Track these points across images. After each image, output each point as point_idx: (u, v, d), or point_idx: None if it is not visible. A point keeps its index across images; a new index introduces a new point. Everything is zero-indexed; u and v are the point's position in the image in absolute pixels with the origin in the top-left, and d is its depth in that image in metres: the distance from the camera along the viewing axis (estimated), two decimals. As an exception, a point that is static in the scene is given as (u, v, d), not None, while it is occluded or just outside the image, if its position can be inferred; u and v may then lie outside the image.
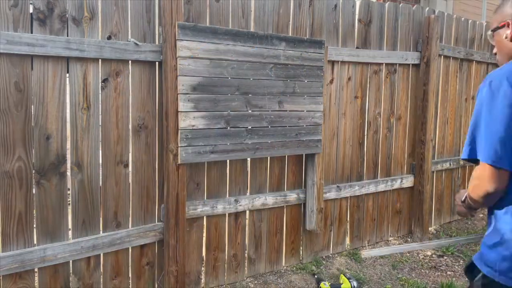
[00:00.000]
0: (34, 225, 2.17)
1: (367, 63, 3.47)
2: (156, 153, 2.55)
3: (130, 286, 2.53)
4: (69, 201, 2.29)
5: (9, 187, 2.08)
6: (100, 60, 2.30)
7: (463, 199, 1.58)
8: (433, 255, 3.62)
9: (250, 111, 2.71)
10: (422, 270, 3.36)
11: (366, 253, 3.49)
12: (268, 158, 2.98)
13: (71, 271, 2.30)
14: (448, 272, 3.35)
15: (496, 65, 4.72)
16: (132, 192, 2.49)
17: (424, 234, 3.80)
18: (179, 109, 2.43)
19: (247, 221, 2.97)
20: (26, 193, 2.12)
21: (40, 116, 2.14)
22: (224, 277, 2.90)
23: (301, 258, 3.26)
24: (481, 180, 1.39)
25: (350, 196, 3.48)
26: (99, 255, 2.38)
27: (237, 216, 2.90)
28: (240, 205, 2.85)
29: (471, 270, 1.53)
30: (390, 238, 3.83)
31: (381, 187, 3.65)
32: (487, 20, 7.04)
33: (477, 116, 1.41)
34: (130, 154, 2.47)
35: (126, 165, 2.45)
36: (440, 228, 4.22)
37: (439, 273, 3.33)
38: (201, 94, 2.51)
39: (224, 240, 2.87)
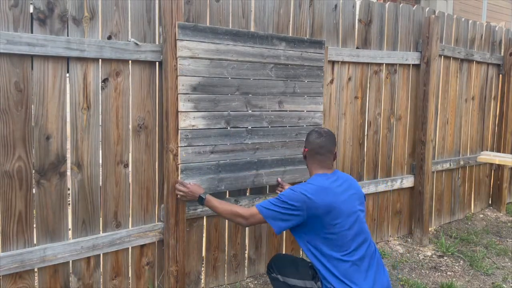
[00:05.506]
0: (34, 225, 2.17)
1: (367, 63, 3.47)
2: (156, 153, 2.55)
3: (130, 286, 2.53)
4: (69, 201, 2.29)
5: (9, 187, 2.08)
6: (100, 60, 2.30)
7: None
8: (433, 255, 3.62)
9: (250, 111, 2.71)
10: (422, 271, 3.36)
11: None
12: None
13: (71, 271, 2.30)
14: (448, 273, 3.35)
15: (496, 66, 4.72)
16: (132, 192, 2.49)
17: (424, 234, 3.80)
18: (179, 109, 2.43)
19: (247, 221, 2.97)
20: (26, 193, 2.12)
21: (40, 116, 2.14)
22: (224, 277, 2.90)
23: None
24: None
25: (350, 196, 3.48)
26: (99, 255, 2.38)
27: (237, 216, 2.89)
28: (240, 205, 2.85)
29: None
30: (390, 239, 3.83)
31: (381, 187, 3.65)
32: (487, 20, 7.05)
33: None
34: (130, 154, 2.47)
35: (126, 165, 2.45)
36: (440, 228, 4.22)
37: (439, 273, 3.33)
38: (201, 94, 2.51)
39: (224, 240, 2.87)
